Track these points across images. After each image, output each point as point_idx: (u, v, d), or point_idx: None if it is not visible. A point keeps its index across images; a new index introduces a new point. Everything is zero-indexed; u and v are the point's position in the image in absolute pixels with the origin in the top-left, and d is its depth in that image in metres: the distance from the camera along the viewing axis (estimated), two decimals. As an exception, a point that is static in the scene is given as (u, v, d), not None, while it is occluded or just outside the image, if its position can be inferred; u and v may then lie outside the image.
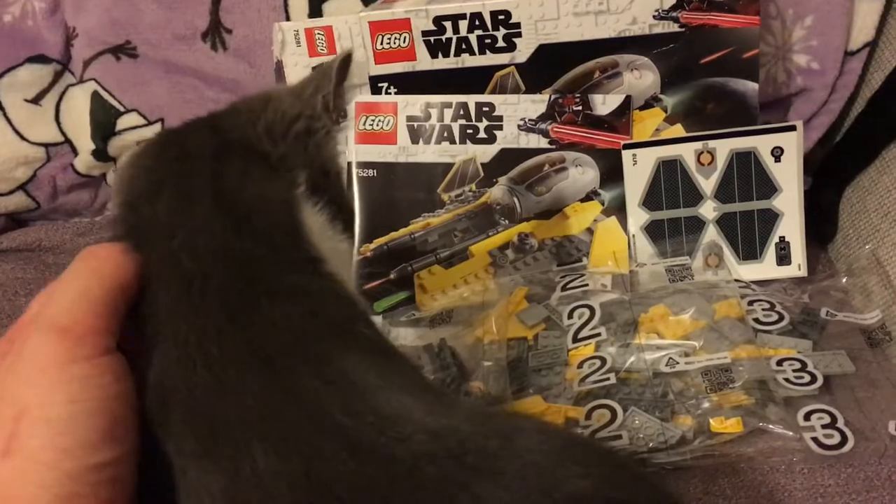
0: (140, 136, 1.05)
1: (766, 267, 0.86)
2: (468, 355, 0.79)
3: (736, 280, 0.83)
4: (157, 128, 1.05)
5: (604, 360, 0.75)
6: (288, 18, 0.96)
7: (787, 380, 0.71)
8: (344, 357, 0.45)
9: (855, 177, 0.90)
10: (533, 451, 0.42)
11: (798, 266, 0.85)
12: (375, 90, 0.90)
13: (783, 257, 0.85)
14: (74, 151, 1.09)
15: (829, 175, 0.92)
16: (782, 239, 0.85)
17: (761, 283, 0.85)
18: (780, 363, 0.73)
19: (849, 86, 0.93)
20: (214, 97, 1.02)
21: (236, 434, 0.42)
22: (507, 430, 0.44)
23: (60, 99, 1.06)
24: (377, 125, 0.89)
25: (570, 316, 0.81)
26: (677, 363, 0.73)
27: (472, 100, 0.88)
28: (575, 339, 0.78)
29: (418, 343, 0.82)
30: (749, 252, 0.86)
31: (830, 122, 0.94)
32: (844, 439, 0.66)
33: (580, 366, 0.75)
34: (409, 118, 0.89)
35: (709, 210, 0.86)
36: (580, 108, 0.87)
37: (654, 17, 0.84)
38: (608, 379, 0.73)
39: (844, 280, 0.83)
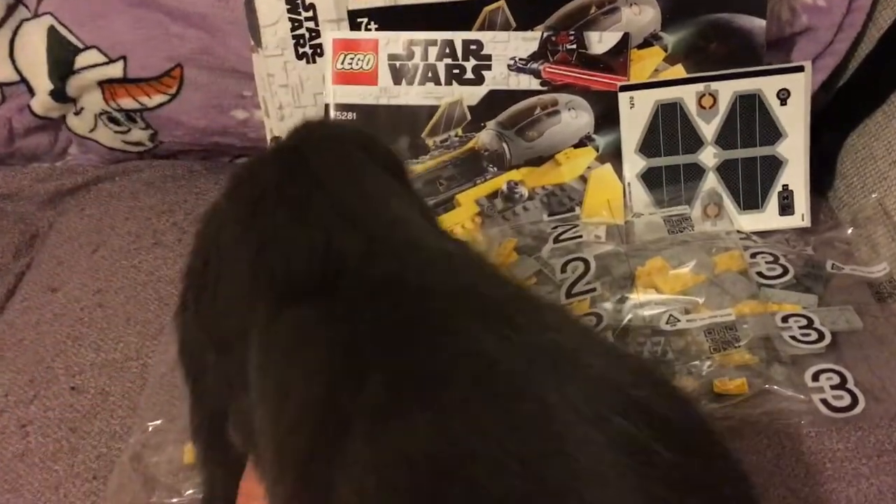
0: (102, 75, 0.98)
1: (768, 217, 0.82)
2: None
3: (737, 231, 0.79)
4: (118, 66, 0.97)
5: (599, 317, 0.71)
6: (259, -54, 0.88)
7: (793, 337, 0.68)
8: None
9: (861, 122, 0.85)
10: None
11: (801, 216, 0.81)
12: (354, 26, 0.84)
13: (786, 207, 0.81)
14: (31, 91, 1.01)
15: (832, 120, 0.87)
16: (785, 187, 0.81)
17: (762, 234, 0.81)
18: (784, 319, 0.69)
19: (856, 25, 0.87)
20: (180, 33, 0.95)
21: None
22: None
23: (14, 35, 0.99)
24: (356, 64, 0.83)
25: (563, 270, 0.76)
26: (678, 321, 0.69)
27: (458, 37, 0.82)
28: (568, 295, 0.74)
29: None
30: (750, 201, 0.82)
31: (836, 64, 0.89)
32: (855, 401, 0.63)
33: (575, 323, 0.71)
34: (391, 57, 0.83)
35: (709, 157, 0.82)
36: (574, 46, 0.81)
37: (656, -53, 0.78)
38: (605, 337, 0.69)
39: (850, 231, 0.80)
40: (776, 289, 0.73)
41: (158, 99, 0.99)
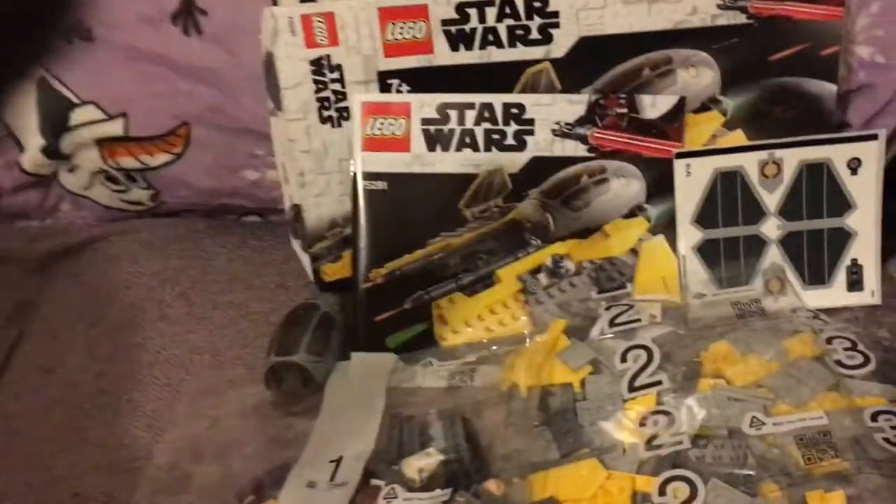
0: (100, 133, 0.91)
1: (835, 293, 0.76)
2: (498, 419, 0.67)
3: (806, 309, 0.73)
4: (118, 123, 0.90)
5: (671, 417, 0.64)
6: (276, 2, 0.81)
7: (886, 439, 0.61)
8: None
9: (926, 187, 0.80)
10: None
11: (871, 293, 0.76)
12: (385, 88, 0.77)
13: (855, 282, 0.75)
14: (20, 147, 0.94)
15: (891, 185, 0.82)
16: (854, 262, 0.75)
17: (828, 311, 0.75)
18: (874, 417, 0.63)
19: (916, 83, 0.82)
20: (188, 89, 0.88)
21: None
22: None
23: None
24: (387, 129, 0.76)
25: (623, 359, 0.69)
26: (763, 423, 0.62)
27: (498, 100, 0.76)
28: (631, 388, 0.67)
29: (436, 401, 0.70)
30: (816, 276, 0.76)
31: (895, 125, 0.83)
32: (966, 519, 0.56)
33: (643, 423, 0.64)
34: (425, 121, 0.76)
35: (772, 228, 0.75)
36: (625, 110, 0.75)
37: (717, 6, 0.72)
38: (680, 442, 0.62)
39: (926, 310, 0.74)
40: (857, 379, 0.67)
41: (162, 158, 0.92)
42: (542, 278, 0.77)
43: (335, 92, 0.77)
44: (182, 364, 0.82)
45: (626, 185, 0.76)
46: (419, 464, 0.64)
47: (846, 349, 0.69)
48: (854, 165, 0.73)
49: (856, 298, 0.76)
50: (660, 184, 0.76)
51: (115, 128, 0.91)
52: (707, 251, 0.76)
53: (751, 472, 0.60)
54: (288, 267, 0.92)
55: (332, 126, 0.78)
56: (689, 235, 0.76)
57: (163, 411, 0.77)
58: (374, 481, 0.64)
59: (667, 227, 0.77)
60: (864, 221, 0.74)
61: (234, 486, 0.67)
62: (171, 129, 0.90)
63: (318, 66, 0.76)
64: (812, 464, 0.59)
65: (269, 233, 0.99)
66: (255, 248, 0.96)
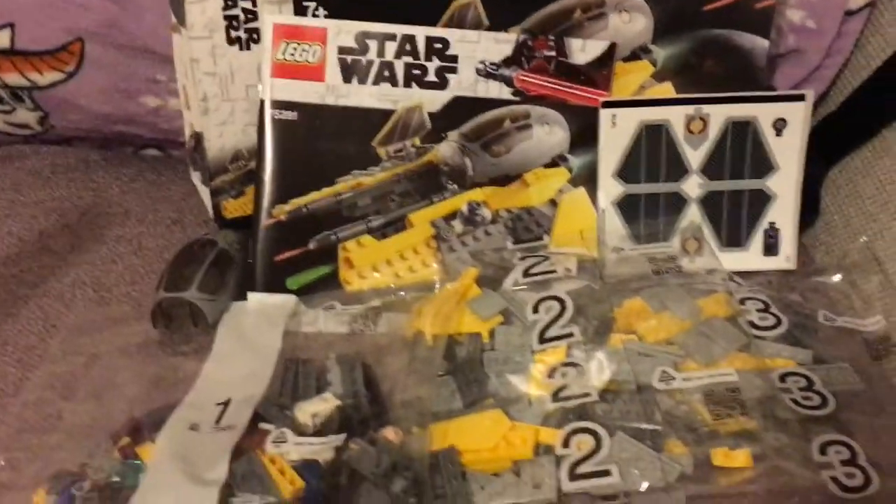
0: (-18, 45, 0.82)
1: (751, 256, 0.75)
2: (400, 366, 0.64)
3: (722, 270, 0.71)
4: (4, 35, 0.82)
5: (580, 369, 0.61)
6: None
7: (794, 401, 0.60)
8: None
9: (845, 155, 0.79)
10: None
11: (786, 257, 0.75)
12: (300, 11, 0.71)
13: (771, 246, 0.74)
14: None
15: (813, 151, 0.81)
16: (772, 225, 0.74)
17: (743, 274, 0.74)
18: (782, 378, 0.62)
19: (844, 50, 0.82)
20: (83, 1, 0.80)
21: None
22: None
23: None
24: (300, 56, 0.71)
25: (535, 309, 0.66)
26: (672, 379, 0.60)
27: (421, 33, 0.71)
28: (542, 339, 0.64)
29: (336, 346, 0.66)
30: (733, 238, 0.74)
31: (822, 91, 0.83)
32: (868, 480, 0.55)
33: (551, 375, 0.61)
34: (342, 50, 0.71)
35: (693, 186, 0.74)
36: (553, 53, 0.72)
37: (654, -51, 0.69)
38: (588, 395, 0.59)
39: (837, 277, 0.73)
40: (768, 340, 0.65)
41: (52, 77, 0.85)
42: (457, 225, 0.73)
43: (245, 10, 0.72)
44: (62, 299, 0.75)
45: (550, 133, 0.73)
46: (313, 409, 0.59)
47: (759, 311, 0.67)
48: (779, 126, 0.72)
49: (771, 263, 0.75)
50: (584, 134, 0.73)
51: (0, 39, 0.83)
52: (627, 206, 0.74)
53: (657, 428, 0.58)
54: (186, 203, 0.86)
55: (241, 48, 0.73)
56: (610, 189, 0.74)
57: (37, 347, 0.71)
58: (264, 425, 0.59)
59: (588, 179, 0.74)
60: (785, 185, 0.73)
61: (110, 426, 0.61)
62: (62, 44, 0.83)
63: (227, -21, 0.70)
64: (719, 420, 0.57)
65: (170, 167, 0.92)
66: (152, 182, 0.90)
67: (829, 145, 0.80)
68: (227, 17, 0.71)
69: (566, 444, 0.57)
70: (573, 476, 0.55)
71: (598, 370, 0.61)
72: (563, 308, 0.66)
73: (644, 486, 0.54)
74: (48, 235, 0.82)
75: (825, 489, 0.55)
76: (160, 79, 0.84)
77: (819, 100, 0.84)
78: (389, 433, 0.58)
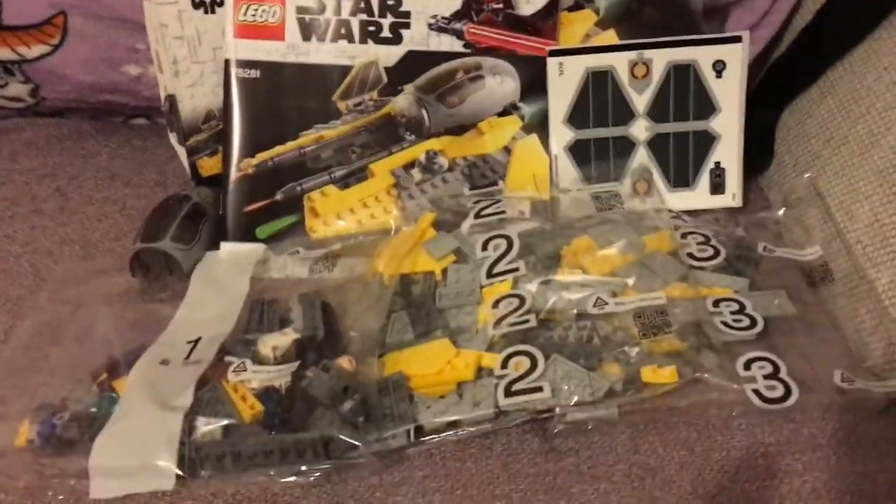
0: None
1: (699, 195, 0.78)
2: (357, 303, 0.68)
3: (667, 209, 0.75)
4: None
5: (522, 299, 0.65)
6: None
7: (724, 323, 0.64)
8: None
9: (795, 97, 0.82)
10: None
11: (732, 195, 0.78)
12: (259, -27, 0.75)
13: (717, 185, 0.77)
14: None
15: (765, 96, 0.84)
16: (717, 165, 0.77)
17: (692, 213, 0.77)
18: (716, 304, 0.65)
19: (792, -4, 0.84)
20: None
21: None
22: None
23: None
24: (261, 16, 0.75)
25: (484, 247, 0.70)
26: (606, 304, 0.64)
27: (374, -10, 0.75)
28: (489, 275, 0.68)
29: (300, 287, 0.70)
30: (681, 179, 0.77)
31: (771, 36, 0.85)
32: (788, 392, 0.59)
33: (495, 305, 0.65)
34: (300, 10, 0.75)
35: (640, 130, 0.77)
36: (501, 5, 0.75)
37: None
38: (527, 321, 0.63)
39: (781, 212, 0.76)
40: (707, 271, 0.69)
41: (39, 50, 0.89)
42: (416, 173, 0.77)
43: (208, -25, 0.75)
44: (51, 255, 0.80)
45: (501, 83, 0.77)
46: (274, 342, 0.64)
47: (699, 243, 0.71)
48: (719, 68, 0.75)
49: (718, 201, 0.78)
50: (534, 82, 0.76)
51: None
52: (578, 151, 0.77)
53: (593, 351, 0.62)
54: (169, 166, 0.91)
55: (206, 12, 0.77)
56: (561, 135, 0.77)
57: (26, 298, 0.75)
58: (228, 358, 0.64)
59: (540, 126, 0.77)
60: (728, 125, 0.76)
61: (90, 365, 0.66)
62: (46, 17, 0.87)
63: (189, -54, 0.74)
64: (646, 338, 0.61)
65: (155, 134, 0.96)
66: (138, 148, 0.94)
67: (779, 89, 0.83)
68: (191, -17, 0.76)
69: (504, 365, 0.61)
70: (508, 393, 0.59)
71: (541, 300, 0.65)
72: (510, 245, 0.70)
73: (574, 400, 0.58)
74: (40, 199, 0.87)
75: (746, 400, 0.59)
76: (140, 48, 0.88)
77: (770, 44, 0.86)
78: (344, 362, 0.62)
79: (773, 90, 0.84)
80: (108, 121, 1.00)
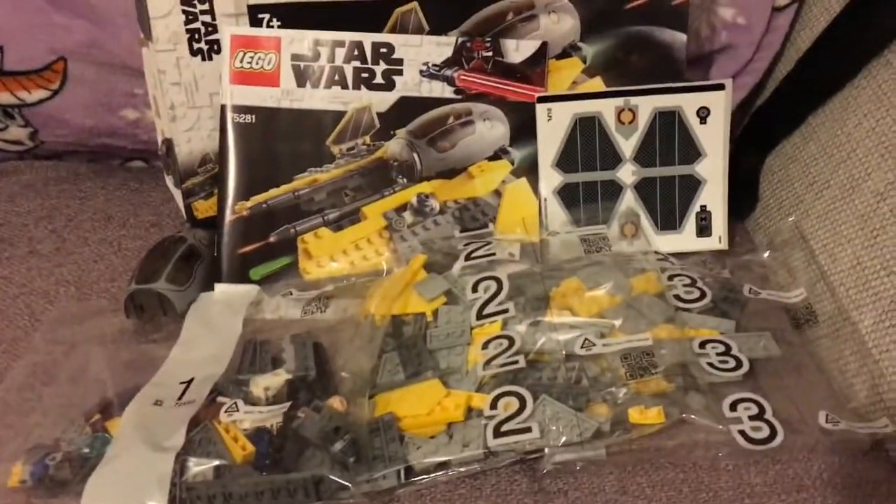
0: (-25, 65, 0.89)
1: (686, 238, 0.79)
2: (349, 344, 0.69)
3: (654, 252, 0.76)
4: (-7, 57, 0.89)
5: (512, 341, 0.66)
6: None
7: (710, 364, 0.65)
8: None
9: (778, 143, 0.84)
10: None
11: (719, 238, 0.79)
12: (255, 22, 0.77)
13: (703, 228, 0.79)
14: None
15: (750, 142, 0.86)
16: (703, 208, 0.79)
17: (679, 255, 0.78)
18: (702, 346, 0.66)
19: (774, 44, 0.86)
20: (64, 23, 0.87)
21: None
22: None
23: None
24: (257, 63, 0.77)
25: (474, 289, 0.71)
26: (594, 345, 0.65)
27: (367, 39, 0.77)
28: (479, 316, 0.69)
29: (293, 328, 0.71)
30: (668, 222, 0.79)
31: (754, 83, 0.87)
32: (773, 433, 0.60)
33: (485, 346, 0.66)
34: (295, 57, 0.77)
35: (627, 174, 0.78)
36: (490, 53, 0.77)
37: (576, -47, 0.74)
38: (516, 362, 0.64)
39: (766, 255, 0.78)
40: (693, 313, 0.70)
41: (39, 94, 0.91)
42: (407, 216, 0.79)
43: (205, 24, 0.77)
44: (46, 295, 0.81)
45: (491, 128, 0.78)
46: (266, 383, 0.65)
47: (685, 285, 0.72)
48: (703, 114, 0.76)
49: (704, 243, 0.79)
50: (523, 127, 0.78)
51: (-11, 61, 0.89)
52: (567, 194, 0.79)
53: (581, 392, 0.63)
54: (165, 207, 0.92)
55: (203, 59, 0.79)
56: (550, 179, 0.79)
57: (22, 339, 0.76)
58: (221, 398, 0.65)
59: (529, 170, 0.79)
60: (713, 169, 0.78)
61: (84, 406, 0.67)
62: (47, 63, 0.89)
63: (187, -5, 0.76)
64: (633, 380, 0.62)
65: (152, 177, 0.98)
66: (135, 190, 0.96)
67: (763, 135, 0.85)
68: (189, 31, 0.77)
69: (493, 406, 0.62)
70: (497, 433, 0.60)
71: (530, 341, 0.66)
72: (500, 287, 0.71)
73: (562, 440, 0.59)
74: (37, 241, 0.88)
75: (732, 441, 0.60)
76: (137, 92, 0.90)
77: (754, 92, 0.88)
78: (335, 402, 0.63)
79: (757, 135, 0.86)
80: (106, 163, 1.02)
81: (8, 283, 0.83)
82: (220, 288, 0.77)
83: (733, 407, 0.62)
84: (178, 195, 0.85)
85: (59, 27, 0.87)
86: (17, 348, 0.75)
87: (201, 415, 0.63)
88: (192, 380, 0.67)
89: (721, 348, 0.66)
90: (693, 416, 0.61)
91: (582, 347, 0.65)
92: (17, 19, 0.87)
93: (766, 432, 0.60)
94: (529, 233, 0.78)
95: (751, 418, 0.61)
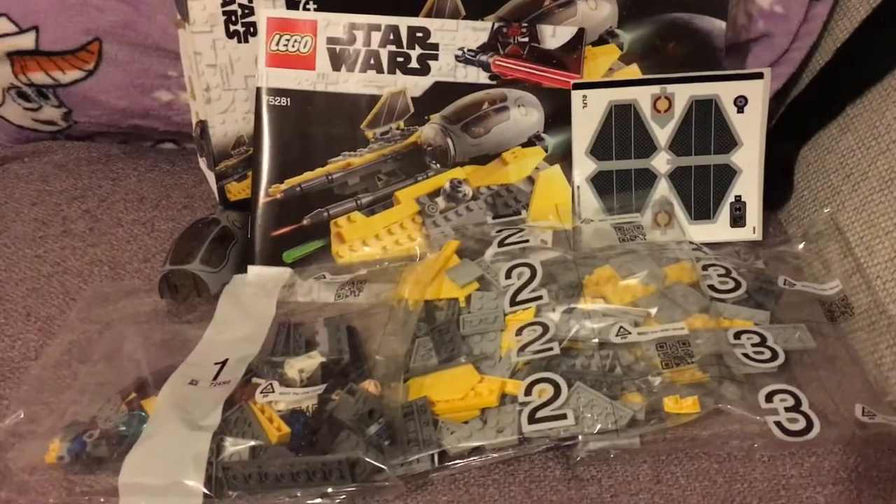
0: (11, 46, 0.90)
1: (719, 228, 0.79)
2: (382, 328, 0.69)
3: (688, 241, 0.76)
4: (29, 37, 0.89)
5: (546, 327, 0.66)
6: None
7: (745, 355, 0.64)
8: None
9: (814, 134, 0.83)
10: None
11: (753, 229, 0.78)
12: (291, 4, 0.78)
13: (738, 218, 0.78)
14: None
15: (785, 131, 0.85)
16: (738, 198, 0.78)
17: (713, 245, 0.78)
18: (737, 336, 0.66)
19: (812, 33, 0.85)
20: (99, 4, 0.87)
21: None
22: None
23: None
24: (292, 46, 0.77)
25: (507, 275, 0.71)
26: (629, 333, 0.65)
27: (403, 23, 0.77)
28: (513, 303, 0.69)
29: (326, 311, 0.72)
30: (702, 211, 0.78)
31: (790, 73, 0.86)
32: (810, 424, 0.60)
33: (519, 333, 0.66)
34: (331, 40, 0.77)
35: (662, 163, 0.78)
36: (526, 39, 0.77)
37: (616, -61, 0.74)
38: (551, 349, 0.64)
39: (801, 246, 0.77)
40: (728, 303, 0.70)
41: (73, 75, 0.91)
42: (440, 201, 0.79)
43: (242, 6, 0.77)
44: (81, 275, 0.82)
45: (526, 115, 0.78)
46: (300, 365, 0.65)
47: (720, 275, 0.72)
48: (741, 103, 0.76)
49: (738, 234, 0.78)
50: (558, 114, 0.78)
51: (26, 41, 0.90)
52: (600, 182, 0.79)
53: (616, 380, 0.62)
54: (197, 190, 0.92)
55: (239, 41, 0.79)
56: (583, 166, 0.79)
57: (57, 317, 0.77)
58: (255, 379, 0.65)
59: (563, 157, 0.79)
60: (749, 159, 0.77)
61: (119, 384, 0.67)
62: (82, 44, 0.89)
63: (224, -23, 0.76)
64: (669, 369, 0.62)
65: (183, 159, 0.99)
66: (167, 172, 0.96)
67: (799, 125, 0.84)
68: (225, 13, 0.78)
69: (528, 392, 0.62)
70: (532, 420, 0.60)
71: (564, 328, 0.66)
72: (534, 274, 0.71)
73: (597, 428, 0.59)
74: (70, 220, 0.89)
75: (768, 433, 0.59)
76: (171, 74, 0.90)
77: (790, 81, 0.88)
78: (369, 385, 0.63)
79: (792, 125, 0.85)
80: (137, 145, 1.02)
81: (42, 262, 0.83)
82: (253, 270, 0.77)
83: (769, 398, 0.61)
84: (211, 177, 0.85)
85: (93, 8, 0.88)
86: (52, 326, 0.76)
87: (237, 395, 0.63)
88: (226, 360, 0.68)
89: (756, 339, 0.66)
90: (728, 407, 0.60)
91: (617, 335, 0.65)
92: (53, 0, 0.87)
93: (802, 424, 0.60)
94: (562, 220, 0.78)
95: (787, 409, 0.61)
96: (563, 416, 0.59)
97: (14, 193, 0.93)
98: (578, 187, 0.79)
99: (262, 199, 0.78)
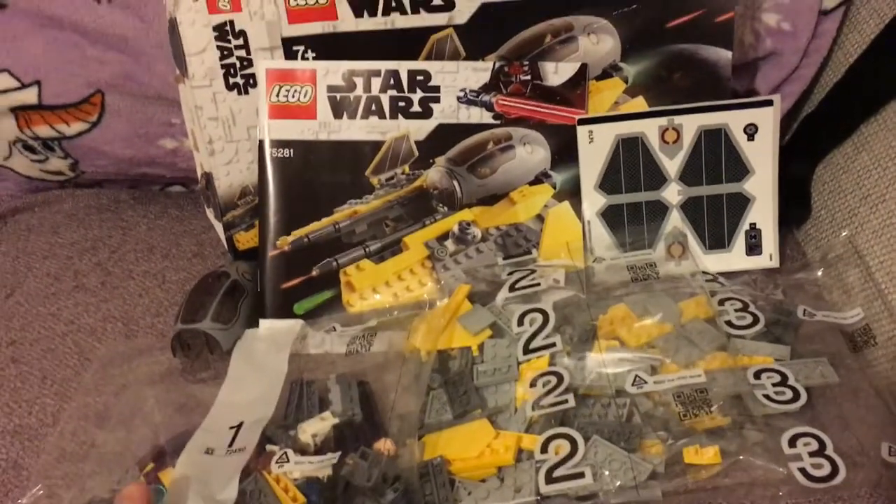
0: (14, 101, 0.90)
1: (735, 257, 0.77)
2: (395, 381, 0.68)
3: (703, 272, 0.74)
4: (32, 92, 0.89)
5: (560, 377, 0.65)
6: (182, -34, 0.81)
7: (766, 396, 0.63)
8: None
9: (828, 153, 0.81)
10: None
11: (769, 256, 0.77)
12: (290, 55, 0.77)
13: (753, 246, 0.77)
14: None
15: (798, 150, 0.83)
16: (753, 226, 0.76)
17: (728, 275, 0.76)
18: (757, 375, 0.65)
19: (821, 50, 0.83)
20: (98, 56, 0.87)
21: None
22: None
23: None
24: (293, 97, 0.76)
25: (520, 322, 0.70)
26: (645, 382, 0.63)
27: (403, 67, 0.76)
28: (526, 350, 0.68)
29: (338, 365, 0.71)
30: (716, 241, 0.77)
31: (801, 91, 0.85)
32: (835, 469, 0.58)
33: (533, 384, 0.65)
34: (331, 88, 0.76)
35: (673, 194, 0.77)
36: (529, 77, 0.76)
37: (614, -28, 0.72)
38: (566, 401, 0.63)
39: (820, 272, 0.75)
40: (746, 339, 0.68)
41: (78, 127, 0.92)
42: (449, 245, 0.78)
43: (240, 59, 0.77)
44: (94, 333, 0.82)
45: (532, 152, 0.77)
46: (313, 429, 0.65)
47: (737, 310, 0.70)
48: (750, 131, 0.74)
49: (755, 262, 0.77)
50: (564, 150, 0.77)
51: (29, 96, 0.90)
52: (611, 216, 0.77)
53: (634, 430, 0.61)
54: (206, 236, 0.92)
55: (239, 93, 0.78)
56: (593, 201, 0.77)
57: (73, 379, 0.77)
58: (270, 447, 0.65)
59: (572, 193, 0.77)
60: (762, 186, 0.76)
61: (137, 453, 0.67)
62: (85, 96, 0.89)
63: (221, 31, 0.76)
64: (687, 419, 0.61)
65: (192, 202, 0.99)
66: (175, 218, 0.96)
67: (812, 144, 0.83)
68: (224, 66, 0.77)
69: (544, 449, 0.61)
70: (550, 479, 0.59)
71: (579, 377, 0.65)
72: (546, 319, 0.70)
73: (616, 485, 0.58)
74: (82, 274, 0.89)
75: (793, 480, 0.58)
76: (175, 122, 0.90)
77: (801, 99, 0.86)
78: (381, 445, 0.62)
79: (805, 145, 0.83)
80: (146, 189, 1.02)
81: (56, 321, 0.83)
82: (264, 324, 0.77)
83: (792, 443, 0.60)
84: (219, 227, 0.85)
85: (93, 61, 0.87)
86: (68, 389, 0.76)
87: (252, 465, 0.63)
88: (241, 424, 0.67)
89: (777, 378, 0.64)
90: (751, 455, 0.59)
91: (633, 385, 0.63)
92: (53, 54, 0.87)
93: (827, 469, 0.58)
94: (574, 257, 0.77)
95: (811, 454, 0.59)
96: (581, 475, 0.58)
97: (26, 247, 0.93)
98: (589, 222, 0.77)
99: (270, 252, 0.77)
